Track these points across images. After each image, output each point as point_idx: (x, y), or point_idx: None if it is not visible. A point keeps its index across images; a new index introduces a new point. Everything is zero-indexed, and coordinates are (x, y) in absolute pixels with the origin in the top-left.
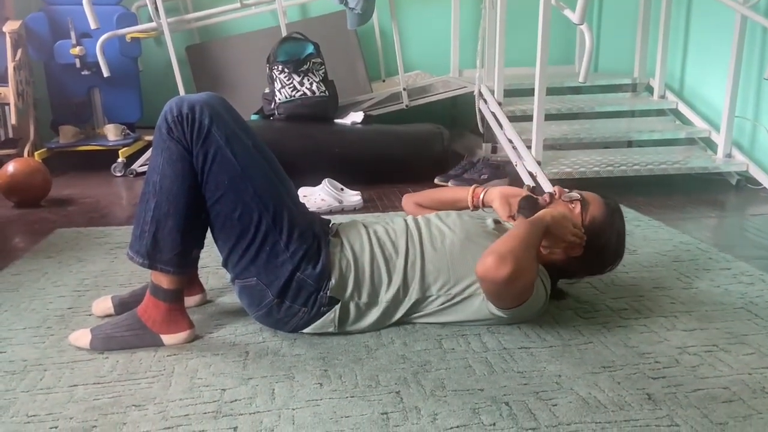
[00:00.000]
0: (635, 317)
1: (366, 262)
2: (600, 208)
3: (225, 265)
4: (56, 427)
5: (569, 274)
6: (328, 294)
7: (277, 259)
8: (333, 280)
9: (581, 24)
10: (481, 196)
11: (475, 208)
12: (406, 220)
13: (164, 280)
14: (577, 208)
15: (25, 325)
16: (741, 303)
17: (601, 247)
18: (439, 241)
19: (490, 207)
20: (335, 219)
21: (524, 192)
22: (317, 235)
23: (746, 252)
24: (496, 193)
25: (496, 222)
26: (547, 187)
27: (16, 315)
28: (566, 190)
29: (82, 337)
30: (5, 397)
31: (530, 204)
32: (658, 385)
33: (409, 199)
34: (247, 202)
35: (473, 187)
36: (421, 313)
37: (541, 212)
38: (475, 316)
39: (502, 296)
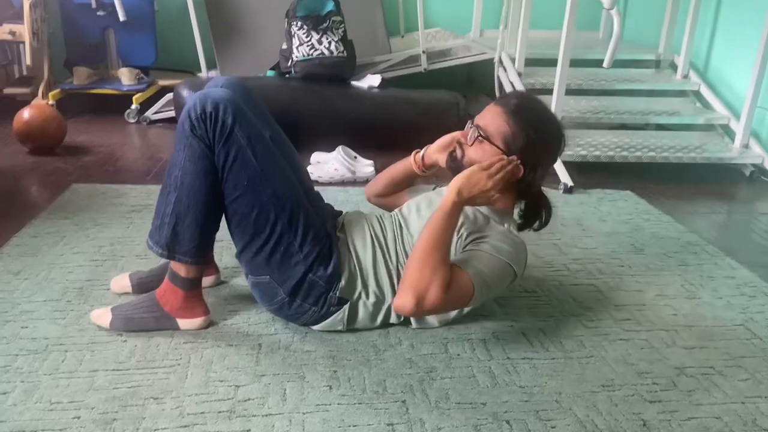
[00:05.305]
0: (636, 330)
1: (369, 263)
2: (503, 121)
3: (239, 258)
4: (78, 417)
5: (534, 186)
6: (337, 294)
7: (290, 260)
8: (343, 281)
9: (611, 9)
10: (422, 159)
11: (423, 172)
12: (391, 216)
13: (182, 269)
14: (485, 144)
15: (46, 297)
16: (741, 319)
17: (534, 147)
18: (417, 237)
19: (435, 167)
20: (345, 205)
21: (457, 135)
22: (329, 234)
23: (751, 258)
24: (433, 150)
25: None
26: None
27: (36, 285)
28: (467, 131)
29: (103, 316)
30: (29, 380)
31: (455, 164)
32: (654, 410)
33: (369, 194)
34: (264, 203)
35: (413, 153)
36: None
37: (444, 198)
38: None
39: (438, 311)
